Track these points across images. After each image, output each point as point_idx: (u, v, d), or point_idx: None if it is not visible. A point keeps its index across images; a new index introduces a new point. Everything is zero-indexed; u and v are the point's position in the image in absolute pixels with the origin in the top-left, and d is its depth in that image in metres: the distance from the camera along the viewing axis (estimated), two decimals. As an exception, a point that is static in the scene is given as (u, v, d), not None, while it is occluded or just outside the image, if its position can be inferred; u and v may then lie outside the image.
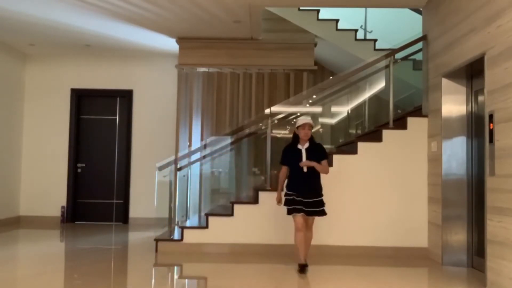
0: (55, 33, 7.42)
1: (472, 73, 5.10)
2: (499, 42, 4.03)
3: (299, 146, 4.75)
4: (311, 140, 4.78)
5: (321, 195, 4.75)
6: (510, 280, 3.82)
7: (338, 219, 5.75)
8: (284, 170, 4.86)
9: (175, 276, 5.00)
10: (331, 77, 7.89)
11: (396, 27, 7.74)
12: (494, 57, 4.12)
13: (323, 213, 4.74)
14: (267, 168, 6.08)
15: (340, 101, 7.42)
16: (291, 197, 4.69)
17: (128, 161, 8.71)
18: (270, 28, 7.42)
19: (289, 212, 4.70)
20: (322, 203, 4.74)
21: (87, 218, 8.68)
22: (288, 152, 4.82)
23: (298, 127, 4.75)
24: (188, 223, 6.44)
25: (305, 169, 4.68)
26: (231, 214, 5.81)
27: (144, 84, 8.75)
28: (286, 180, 4.86)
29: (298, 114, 7.29)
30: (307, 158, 4.68)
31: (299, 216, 4.64)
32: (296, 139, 4.80)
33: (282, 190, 4.90)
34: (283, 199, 4.82)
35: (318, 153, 4.75)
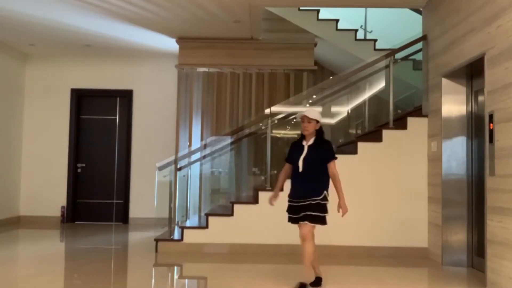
0: (55, 33, 7.41)
1: (472, 73, 5.10)
2: (499, 42, 4.03)
3: (303, 143, 4.15)
4: (319, 136, 4.14)
5: (320, 198, 4.02)
6: (510, 280, 3.82)
7: (338, 219, 5.73)
8: (286, 168, 4.31)
9: (175, 276, 5.00)
10: (331, 77, 7.89)
11: (396, 27, 7.74)
12: (494, 57, 4.12)
13: (318, 220, 4.02)
14: (267, 168, 6.09)
15: (340, 101, 7.42)
16: (289, 203, 4.16)
17: (128, 161, 8.71)
18: (270, 28, 7.41)
19: (288, 219, 4.19)
20: (318, 208, 4.01)
21: (87, 218, 8.68)
22: (292, 148, 4.25)
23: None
24: (188, 223, 6.44)
25: (300, 168, 4.07)
26: (231, 214, 5.81)
27: (144, 84, 8.74)
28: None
29: (318, 112, 7.30)
30: (307, 157, 4.07)
31: (301, 226, 4.08)
32: (302, 134, 4.21)
33: (280, 189, 4.31)
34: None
35: (324, 152, 4.10)
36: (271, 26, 7.42)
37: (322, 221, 4.05)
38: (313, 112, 4.13)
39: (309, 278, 4.12)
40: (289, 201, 4.16)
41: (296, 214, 4.08)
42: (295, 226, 4.56)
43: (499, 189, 4.01)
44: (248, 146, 7.54)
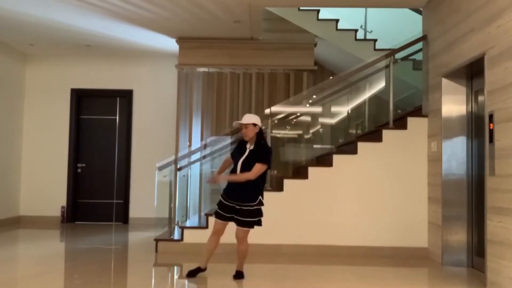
0: (55, 33, 7.42)
1: (472, 73, 5.10)
2: (499, 42, 4.03)
3: (247, 145, 4.38)
4: (257, 141, 4.33)
5: (255, 203, 4.27)
6: (510, 280, 3.82)
7: (338, 219, 5.75)
8: (227, 159, 4.56)
9: (175, 276, 5.00)
10: (331, 77, 7.89)
11: (396, 27, 7.74)
12: (494, 57, 4.12)
13: (252, 224, 4.27)
14: (267, 168, 6.07)
15: (340, 101, 7.41)
16: (221, 198, 4.40)
17: (128, 161, 8.71)
18: (270, 28, 7.41)
19: (216, 214, 4.39)
20: (250, 214, 4.25)
21: (87, 218, 8.68)
22: (237, 147, 4.49)
23: None
24: (188, 223, 6.44)
25: (238, 171, 4.29)
26: (231, 214, 5.80)
27: (144, 84, 8.74)
28: None
29: (298, 114, 7.30)
30: (246, 160, 4.27)
31: (219, 223, 4.34)
32: None
33: (220, 173, 4.55)
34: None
35: (256, 156, 4.28)
36: (271, 26, 7.41)
37: (257, 224, 4.31)
38: (248, 117, 4.33)
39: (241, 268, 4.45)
40: (222, 196, 4.39)
41: (226, 213, 4.30)
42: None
43: (499, 189, 4.01)
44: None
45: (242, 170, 4.28)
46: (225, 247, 5.77)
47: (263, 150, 4.33)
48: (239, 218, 4.26)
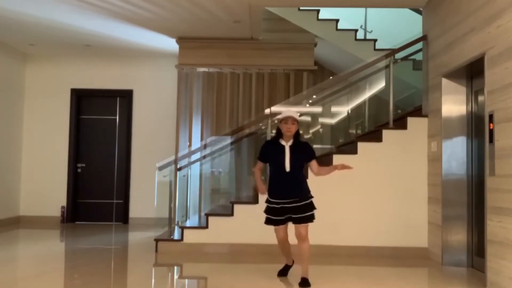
0: (55, 33, 7.42)
1: (472, 73, 5.10)
2: (499, 42, 4.03)
3: (282, 142, 4.20)
4: (296, 137, 4.23)
5: (309, 197, 4.20)
6: (510, 280, 3.82)
7: (338, 219, 5.75)
8: (260, 166, 4.41)
9: (175, 276, 5.00)
10: (331, 77, 7.89)
11: (396, 27, 7.74)
12: (494, 57, 4.12)
13: (310, 219, 4.16)
14: (267, 168, 6.07)
15: (340, 101, 7.41)
16: (271, 205, 4.21)
17: (128, 161, 8.71)
18: (270, 28, 7.42)
19: (266, 221, 4.26)
20: (310, 207, 4.17)
21: (87, 218, 8.68)
22: (269, 148, 4.30)
23: (281, 121, 4.21)
24: (188, 223, 6.44)
25: (287, 168, 4.12)
26: (231, 214, 5.81)
27: (144, 84, 8.74)
28: (268, 182, 4.34)
29: (298, 114, 7.29)
30: (291, 157, 4.13)
31: (279, 229, 4.24)
32: (279, 134, 4.26)
33: (263, 183, 4.46)
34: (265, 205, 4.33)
35: (306, 152, 4.25)
36: (271, 26, 7.42)
37: (313, 218, 4.21)
38: (296, 113, 4.25)
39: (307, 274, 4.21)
40: (271, 202, 4.23)
41: (280, 215, 4.18)
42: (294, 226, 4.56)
43: (499, 189, 4.01)
44: (248, 146, 7.54)
45: (293, 167, 4.13)
46: (225, 247, 5.78)
47: (308, 146, 4.33)
48: (299, 215, 4.10)
